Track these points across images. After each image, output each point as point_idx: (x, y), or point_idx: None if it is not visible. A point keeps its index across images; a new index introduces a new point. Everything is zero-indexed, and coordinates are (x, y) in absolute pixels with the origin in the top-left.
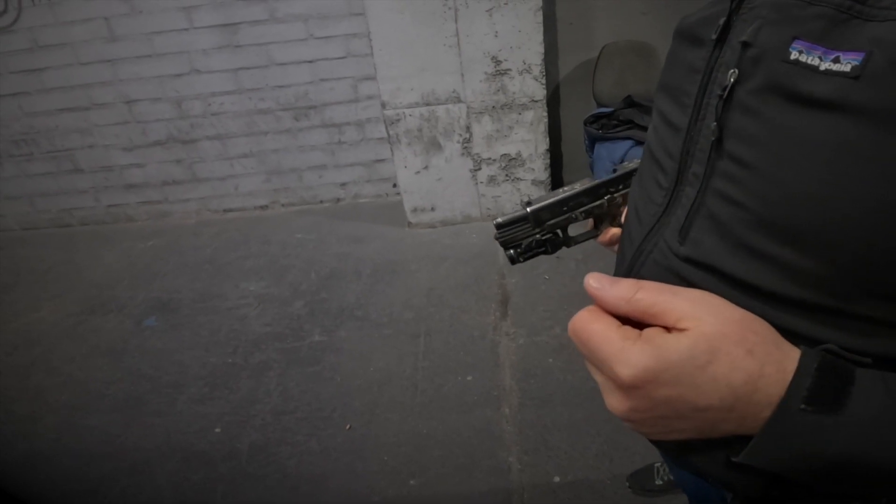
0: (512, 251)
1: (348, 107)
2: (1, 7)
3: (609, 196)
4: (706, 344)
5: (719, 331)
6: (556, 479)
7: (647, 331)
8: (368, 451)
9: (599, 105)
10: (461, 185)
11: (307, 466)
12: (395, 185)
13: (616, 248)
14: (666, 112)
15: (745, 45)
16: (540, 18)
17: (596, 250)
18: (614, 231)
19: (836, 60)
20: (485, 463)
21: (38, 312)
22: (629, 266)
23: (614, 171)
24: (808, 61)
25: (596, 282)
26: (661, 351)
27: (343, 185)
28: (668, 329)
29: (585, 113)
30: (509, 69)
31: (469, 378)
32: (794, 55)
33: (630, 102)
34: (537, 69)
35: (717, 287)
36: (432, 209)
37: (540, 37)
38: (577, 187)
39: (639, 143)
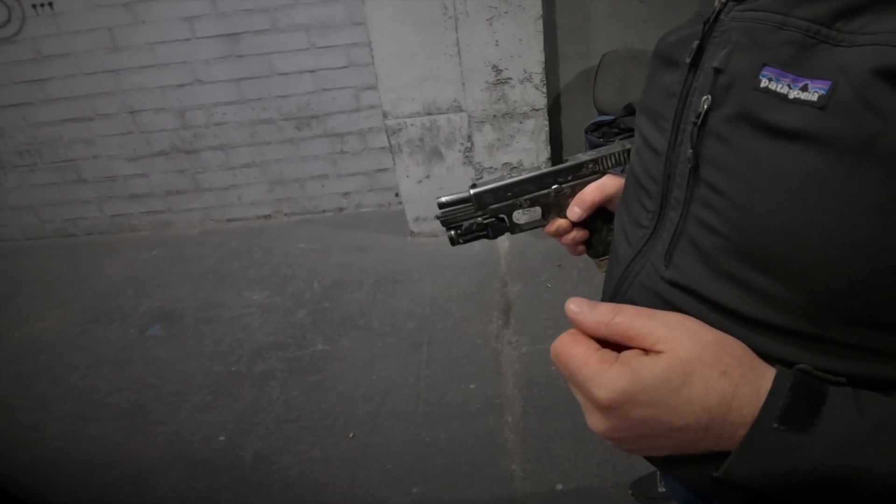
0: (453, 232)
1: (350, 116)
2: (4, 17)
3: (557, 186)
4: (681, 366)
5: (694, 353)
6: (559, 486)
7: (623, 354)
8: (371, 460)
9: (600, 113)
10: None
11: (310, 475)
12: (397, 195)
13: (567, 237)
14: (647, 135)
15: (717, 70)
16: (540, 27)
17: None
18: (560, 222)
19: (805, 89)
20: (487, 471)
21: (42, 322)
22: (616, 286)
23: (565, 160)
24: (778, 89)
25: (576, 306)
26: (636, 374)
27: (345, 194)
28: (645, 351)
29: (586, 121)
30: (510, 78)
31: (472, 386)
32: (763, 83)
33: (631, 110)
34: (538, 78)
35: (698, 311)
36: (434, 218)
37: (540, 45)
38: (524, 174)
39: None
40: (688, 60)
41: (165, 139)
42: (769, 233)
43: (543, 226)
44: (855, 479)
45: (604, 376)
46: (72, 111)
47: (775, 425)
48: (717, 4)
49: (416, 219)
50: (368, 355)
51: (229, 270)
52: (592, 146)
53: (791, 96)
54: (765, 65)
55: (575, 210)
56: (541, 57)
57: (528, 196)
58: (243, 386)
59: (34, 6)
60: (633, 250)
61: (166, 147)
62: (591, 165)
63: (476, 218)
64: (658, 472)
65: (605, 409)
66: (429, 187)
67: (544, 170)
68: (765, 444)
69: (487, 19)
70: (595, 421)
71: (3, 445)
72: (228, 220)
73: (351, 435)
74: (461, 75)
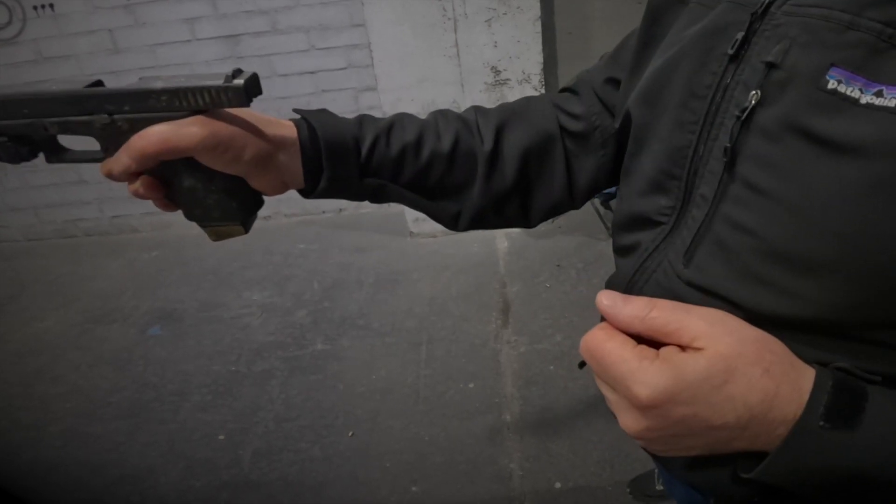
0: None
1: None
2: (5, 19)
3: (105, 116)
4: (723, 363)
5: (735, 350)
6: (558, 485)
7: (663, 350)
8: (370, 458)
9: None
10: None
11: (309, 473)
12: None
13: (131, 186)
14: (658, 128)
15: (771, 65)
16: (539, 28)
17: (597, 260)
18: (114, 167)
19: (879, 94)
20: (486, 469)
21: (43, 322)
22: (630, 282)
23: (139, 78)
24: (848, 93)
25: (609, 300)
26: (678, 371)
27: None
28: (682, 348)
29: None
30: (508, 79)
31: (471, 385)
32: (831, 84)
33: None
34: (536, 79)
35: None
36: None
37: (539, 47)
38: (59, 87)
39: None
40: (730, 52)
41: None
42: (821, 237)
43: (100, 160)
44: (888, 479)
45: (645, 373)
46: None
47: (821, 423)
48: None
49: (416, 220)
50: (368, 355)
51: (229, 271)
52: None
53: (863, 101)
54: (832, 65)
55: (121, 159)
56: (539, 58)
57: (55, 119)
58: (243, 385)
59: (35, 8)
60: (650, 245)
61: None
62: (164, 98)
63: None
64: (656, 471)
65: (645, 407)
66: None
67: (93, 89)
68: (809, 442)
69: (486, 21)
70: (630, 420)
71: (4, 445)
72: None
73: (351, 434)
74: (460, 76)
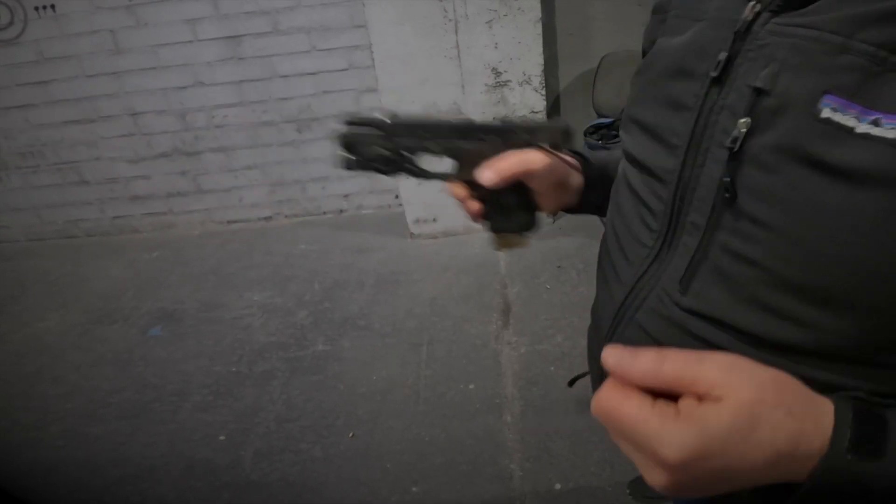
0: (350, 155)
1: None
2: (7, 19)
3: (478, 142)
4: (747, 412)
5: (756, 396)
6: (558, 486)
7: (682, 405)
8: (371, 459)
9: (599, 116)
10: None
11: (310, 474)
12: (397, 197)
13: (467, 202)
14: (648, 151)
15: (759, 91)
16: (539, 30)
17: (596, 261)
18: (474, 202)
19: (876, 123)
20: (487, 470)
21: (44, 322)
22: (621, 307)
23: (495, 118)
24: (843, 122)
25: (615, 358)
26: (703, 426)
27: (346, 196)
28: (699, 397)
29: (585, 123)
30: (509, 80)
31: (471, 386)
32: (825, 113)
33: None
34: (537, 80)
35: (722, 340)
36: (434, 220)
37: (540, 48)
38: (450, 118)
39: None
40: (714, 74)
41: (167, 141)
42: (826, 264)
43: (447, 179)
44: None
45: (670, 435)
46: (74, 113)
47: (849, 456)
48: (748, 13)
49: (416, 220)
50: (369, 355)
51: (230, 271)
52: (591, 148)
53: (859, 130)
54: (825, 92)
55: (487, 174)
56: (540, 59)
57: (442, 141)
58: (244, 386)
59: (36, 8)
60: (635, 270)
61: (167, 149)
62: (523, 134)
63: (381, 149)
64: None
65: (675, 468)
66: (429, 189)
67: (471, 121)
68: (838, 474)
69: (487, 22)
70: (657, 478)
71: (4, 446)
72: (229, 222)
73: (351, 434)
74: (461, 78)
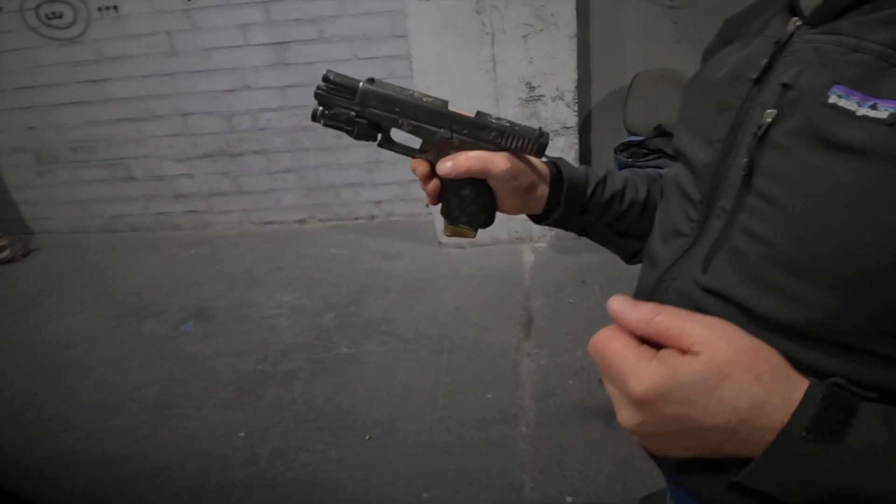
0: (321, 108)
1: None
2: (70, 18)
3: (446, 131)
4: (717, 368)
5: (730, 357)
6: (569, 499)
7: (662, 352)
8: (385, 462)
9: (630, 133)
10: None
11: (323, 474)
12: (427, 205)
13: (425, 183)
14: (691, 147)
15: (786, 86)
16: (574, 45)
17: (620, 277)
18: (424, 167)
19: (874, 107)
20: (499, 479)
21: (77, 315)
22: (652, 290)
23: (477, 112)
24: (846, 106)
25: (618, 304)
26: (673, 371)
27: (378, 202)
28: (683, 352)
29: (616, 140)
30: (542, 95)
31: (489, 395)
32: (832, 99)
33: (660, 131)
34: (570, 96)
35: (732, 317)
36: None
37: (574, 64)
38: (425, 100)
39: None
40: (754, 77)
41: (212, 142)
42: (821, 242)
43: (412, 156)
44: (874, 497)
45: (641, 371)
46: (127, 111)
47: (803, 433)
48: (790, 27)
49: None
50: (390, 360)
51: (262, 272)
52: (621, 167)
53: (859, 113)
54: (834, 83)
55: (447, 165)
56: (573, 75)
57: (413, 121)
58: (267, 384)
59: (100, 9)
60: (672, 257)
61: (212, 150)
62: (493, 135)
63: (351, 111)
64: (668, 492)
65: (639, 402)
66: None
67: (446, 109)
68: (791, 451)
69: (523, 36)
70: (626, 415)
71: (26, 435)
72: (265, 223)
73: (368, 437)
74: (495, 90)
